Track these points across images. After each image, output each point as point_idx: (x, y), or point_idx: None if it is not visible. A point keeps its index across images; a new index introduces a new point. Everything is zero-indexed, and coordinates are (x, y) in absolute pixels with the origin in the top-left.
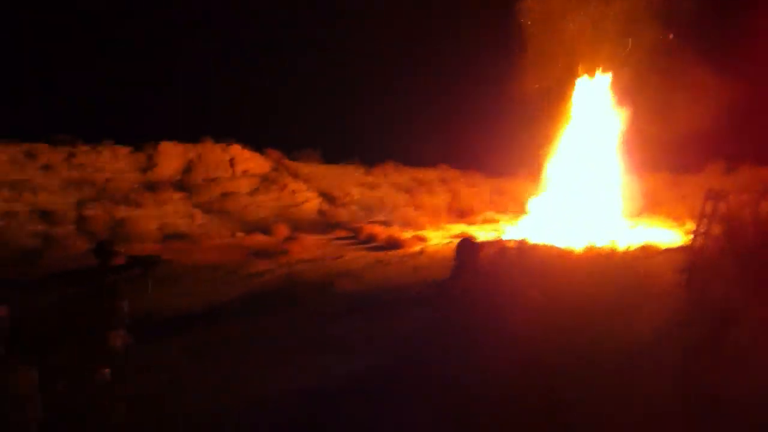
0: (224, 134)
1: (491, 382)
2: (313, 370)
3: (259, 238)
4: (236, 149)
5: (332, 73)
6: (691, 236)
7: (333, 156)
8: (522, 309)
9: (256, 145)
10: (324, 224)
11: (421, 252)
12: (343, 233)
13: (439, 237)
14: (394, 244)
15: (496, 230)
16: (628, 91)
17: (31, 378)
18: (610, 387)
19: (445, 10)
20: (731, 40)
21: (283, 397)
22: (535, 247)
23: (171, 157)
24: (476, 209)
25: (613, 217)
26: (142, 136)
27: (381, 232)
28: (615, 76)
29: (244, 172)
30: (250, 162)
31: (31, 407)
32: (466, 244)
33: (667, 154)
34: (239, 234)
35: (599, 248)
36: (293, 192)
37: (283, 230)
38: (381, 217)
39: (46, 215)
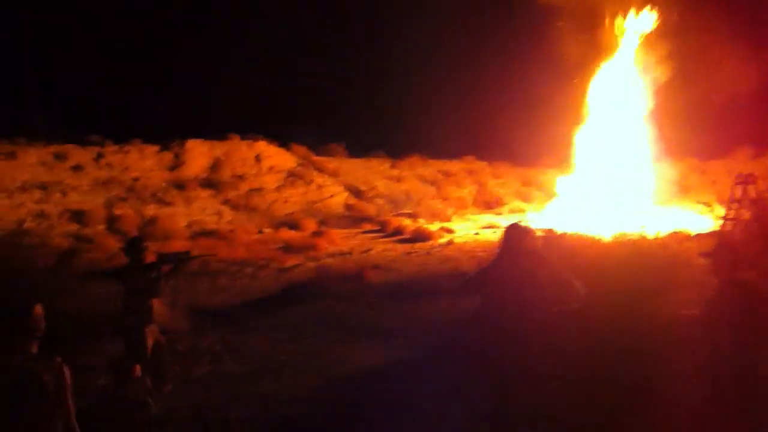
0: (250, 131)
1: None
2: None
3: (287, 234)
4: (262, 145)
5: (356, 66)
6: (721, 221)
7: (358, 150)
8: (567, 297)
9: (282, 140)
10: (351, 218)
11: (449, 243)
12: (370, 227)
13: (466, 228)
14: (421, 236)
15: (523, 220)
16: (658, 71)
17: (64, 373)
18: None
19: None
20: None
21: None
22: (563, 235)
23: (198, 154)
24: (503, 200)
25: (642, 203)
26: (168, 135)
27: (408, 224)
28: (646, 53)
29: (271, 168)
30: (276, 158)
31: (65, 402)
32: (516, 229)
33: (694, 138)
34: (267, 230)
35: (628, 235)
36: (319, 187)
37: (310, 225)
38: (408, 210)
39: (76, 215)
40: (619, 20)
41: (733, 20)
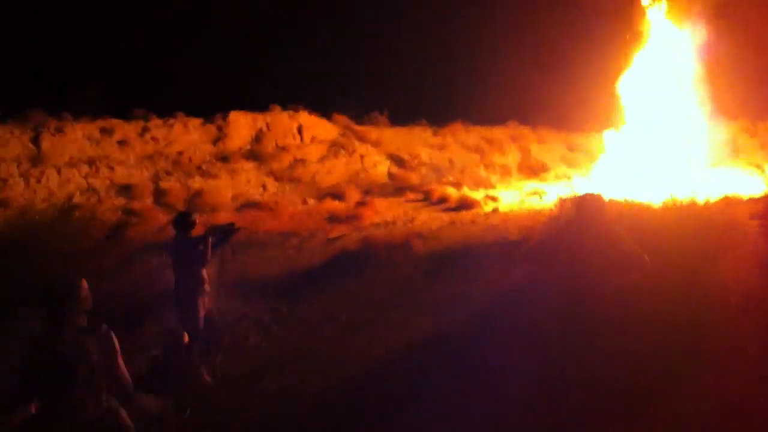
0: (291, 101)
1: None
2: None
3: (332, 204)
4: (304, 116)
5: (396, 34)
6: None
7: (400, 118)
8: (634, 267)
9: (323, 111)
10: (394, 187)
11: (494, 211)
12: (413, 196)
13: (511, 196)
14: (466, 204)
15: (569, 186)
16: (709, 28)
17: (112, 339)
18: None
19: None
20: None
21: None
22: (611, 201)
23: (241, 127)
24: (548, 166)
25: (692, 165)
26: (211, 108)
27: (452, 193)
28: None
29: (313, 139)
30: (318, 128)
31: (114, 368)
32: (589, 198)
33: (745, 99)
34: (311, 201)
35: (678, 200)
36: (362, 156)
37: (354, 195)
38: (451, 178)
39: (124, 190)
40: None
41: None
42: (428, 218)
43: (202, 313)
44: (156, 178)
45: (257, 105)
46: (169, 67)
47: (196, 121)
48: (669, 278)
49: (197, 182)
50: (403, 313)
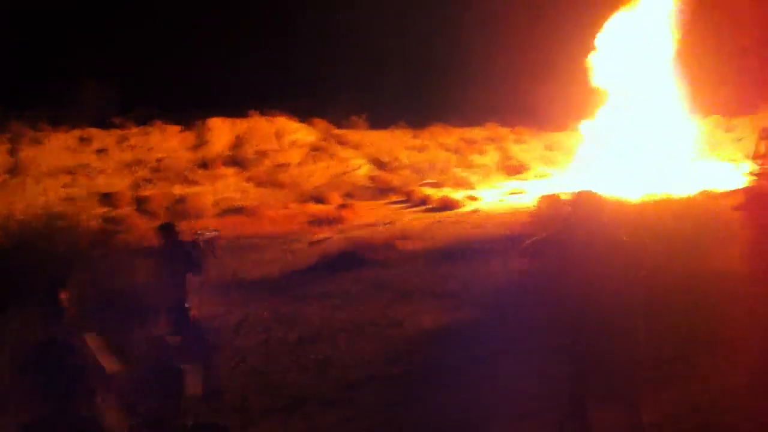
0: (270, 107)
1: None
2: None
3: (314, 208)
4: (283, 121)
5: (372, 36)
6: (748, 177)
7: (380, 121)
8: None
9: (303, 115)
10: (376, 190)
11: (476, 211)
12: (395, 197)
13: (492, 195)
14: (448, 205)
15: (549, 185)
16: (684, 25)
17: (96, 345)
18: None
19: None
20: None
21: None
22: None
23: (220, 133)
24: (527, 165)
25: (668, 161)
26: (189, 114)
27: (433, 194)
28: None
29: (293, 143)
30: (298, 133)
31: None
32: (586, 195)
33: (718, 95)
34: (293, 204)
35: (656, 195)
36: (343, 160)
37: (336, 198)
38: (432, 179)
39: (105, 198)
40: None
41: None
42: (411, 219)
43: (193, 318)
44: (137, 186)
45: (236, 110)
46: (145, 74)
47: (174, 128)
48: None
49: (178, 189)
50: (402, 307)
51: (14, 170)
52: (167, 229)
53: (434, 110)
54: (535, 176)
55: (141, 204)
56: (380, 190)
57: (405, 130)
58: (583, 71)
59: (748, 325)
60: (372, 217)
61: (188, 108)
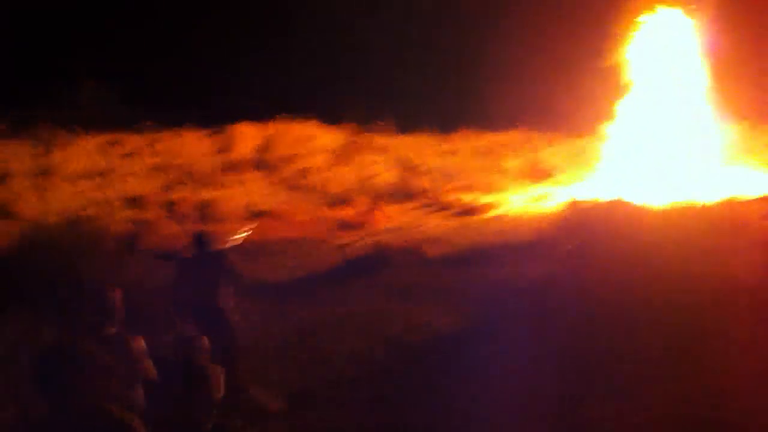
0: (298, 110)
1: None
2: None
3: (341, 211)
4: (312, 125)
5: (400, 39)
6: None
7: (409, 124)
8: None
9: (331, 118)
10: (403, 193)
11: (505, 215)
12: (424, 201)
13: (522, 200)
14: (475, 209)
15: (577, 190)
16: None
17: (141, 348)
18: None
19: None
20: None
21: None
22: (617, 204)
23: (249, 136)
24: (557, 170)
25: (697, 167)
26: (219, 119)
27: (462, 197)
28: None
29: (321, 147)
30: (327, 136)
31: (141, 373)
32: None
33: (753, 99)
34: (321, 208)
35: (686, 201)
36: (371, 163)
37: (364, 201)
38: (461, 183)
39: (135, 201)
40: None
41: None
42: (438, 223)
43: (225, 321)
44: (166, 189)
45: (264, 114)
46: (175, 78)
47: (203, 132)
48: (677, 277)
49: (207, 193)
50: (419, 309)
51: (47, 172)
52: (200, 238)
53: (463, 114)
54: (565, 181)
55: (171, 207)
56: (408, 194)
57: (433, 134)
58: (614, 74)
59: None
60: (400, 221)
61: (217, 112)
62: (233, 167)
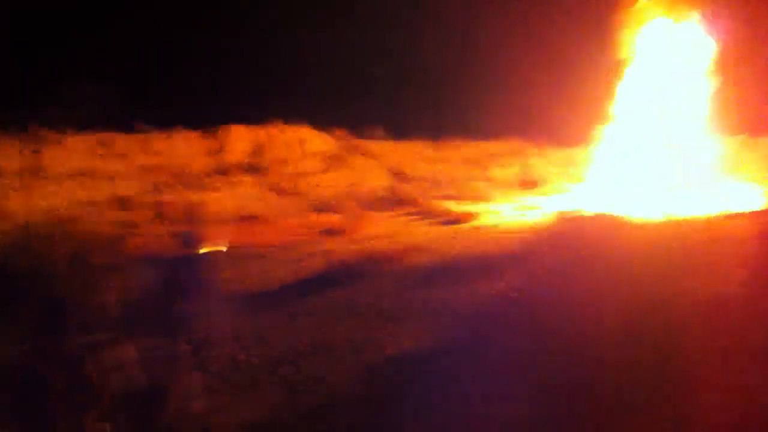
0: (291, 115)
1: None
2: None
3: (330, 217)
4: (304, 129)
5: (393, 47)
6: None
7: (400, 132)
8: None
9: (322, 124)
10: (393, 200)
11: (494, 225)
12: (412, 209)
13: (511, 210)
14: (464, 217)
15: (567, 200)
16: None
17: (129, 353)
18: None
19: None
20: None
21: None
22: (606, 218)
23: (241, 140)
24: (546, 180)
25: (690, 181)
26: (211, 121)
27: (451, 206)
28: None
29: (312, 153)
30: (318, 142)
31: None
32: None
33: (745, 114)
34: (310, 213)
35: (675, 216)
36: (361, 170)
37: (352, 208)
38: (450, 192)
39: (125, 202)
40: None
41: None
42: (426, 231)
43: (203, 329)
44: (156, 191)
45: (256, 118)
46: (168, 80)
47: (196, 134)
48: (662, 291)
49: (197, 195)
50: (393, 325)
51: (37, 172)
52: (183, 239)
53: (454, 123)
54: (554, 191)
55: (159, 209)
56: (398, 202)
57: (425, 142)
58: (606, 85)
59: (733, 350)
60: (388, 228)
61: (210, 114)
62: (224, 170)
